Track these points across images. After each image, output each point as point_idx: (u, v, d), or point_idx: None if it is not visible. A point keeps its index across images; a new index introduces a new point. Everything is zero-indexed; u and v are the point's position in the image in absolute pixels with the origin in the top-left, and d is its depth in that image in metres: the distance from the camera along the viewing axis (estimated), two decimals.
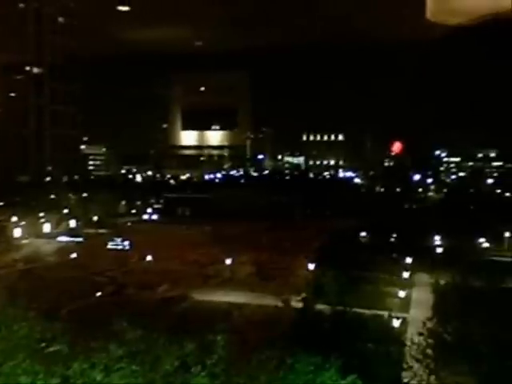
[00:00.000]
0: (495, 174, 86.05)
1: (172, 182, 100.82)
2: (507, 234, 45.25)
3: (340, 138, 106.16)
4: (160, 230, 53.19)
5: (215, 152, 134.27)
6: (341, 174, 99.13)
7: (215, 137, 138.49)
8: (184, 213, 65.43)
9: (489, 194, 73.02)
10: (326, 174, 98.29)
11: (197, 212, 61.79)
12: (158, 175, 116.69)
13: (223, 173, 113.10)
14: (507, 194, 74.38)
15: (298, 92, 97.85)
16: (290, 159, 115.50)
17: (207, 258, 38.29)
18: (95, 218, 57.05)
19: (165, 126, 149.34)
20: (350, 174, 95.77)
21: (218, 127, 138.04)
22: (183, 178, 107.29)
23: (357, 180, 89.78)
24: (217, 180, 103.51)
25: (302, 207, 60.95)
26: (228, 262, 34.71)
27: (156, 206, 69.93)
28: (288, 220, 54.65)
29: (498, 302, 22.67)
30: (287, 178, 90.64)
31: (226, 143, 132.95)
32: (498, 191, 75.94)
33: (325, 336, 19.00)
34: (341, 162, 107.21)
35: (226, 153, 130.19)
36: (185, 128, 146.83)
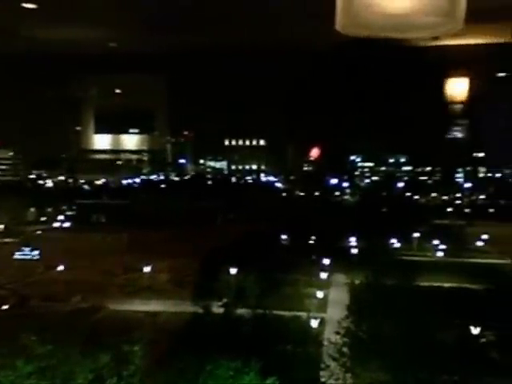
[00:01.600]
0: (405, 178, 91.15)
1: (86, 187, 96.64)
2: (416, 235, 48.09)
3: (262, 143, 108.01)
4: (72, 238, 50.48)
5: (134, 156, 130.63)
6: (263, 178, 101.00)
7: (133, 141, 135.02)
8: (99, 220, 62.68)
9: (399, 196, 77.21)
10: (248, 178, 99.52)
11: (113, 219, 59.33)
12: (70, 180, 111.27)
13: (142, 177, 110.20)
14: (416, 197, 79.32)
15: (219, 96, 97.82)
16: (212, 164, 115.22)
17: (123, 266, 37.06)
18: (1, 227, 53.32)
19: (78, 128, 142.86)
20: (271, 178, 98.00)
21: (136, 131, 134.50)
22: (98, 183, 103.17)
23: (278, 184, 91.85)
24: (135, 185, 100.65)
25: (225, 212, 60.90)
26: (146, 269, 33.74)
27: (68, 213, 66.41)
28: (210, 225, 54.30)
29: (408, 299, 23.99)
30: (209, 182, 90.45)
31: (145, 147, 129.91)
32: (408, 194, 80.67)
33: (245, 340, 19.03)
34: (263, 167, 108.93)
35: (145, 157, 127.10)
36: (99, 131, 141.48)
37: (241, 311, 22.96)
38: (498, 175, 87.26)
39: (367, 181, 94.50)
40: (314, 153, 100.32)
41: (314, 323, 23.22)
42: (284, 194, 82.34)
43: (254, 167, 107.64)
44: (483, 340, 21.51)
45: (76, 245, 45.41)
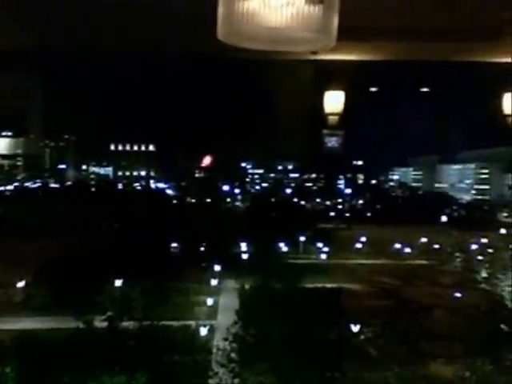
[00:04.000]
0: (293, 185, 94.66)
1: None
2: (302, 239, 50.20)
3: (151, 148, 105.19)
4: None
5: (6, 162, 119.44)
6: (152, 185, 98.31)
7: (5, 144, 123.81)
8: None
9: (287, 202, 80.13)
10: (136, 185, 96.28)
11: None
12: None
13: (16, 184, 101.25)
14: (302, 203, 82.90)
15: (104, 98, 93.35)
16: (96, 170, 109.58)
17: None
18: None
19: None
20: (161, 185, 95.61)
21: (9, 134, 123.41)
22: None
23: (169, 191, 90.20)
24: (7, 193, 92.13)
25: (109, 220, 58.33)
26: (20, 284, 31.03)
27: None
28: (92, 235, 51.53)
29: (294, 301, 24.94)
30: (93, 189, 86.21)
31: (19, 151, 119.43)
32: (295, 200, 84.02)
33: (130, 353, 18.41)
34: (152, 173, 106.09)
35: (19, 162, 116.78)
36: None
37: (126, 324, 22.20)
38: (373, 182, 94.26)
39: (257, 187, 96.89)
40: (207, 160, 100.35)
41: (203, 331, 23.17)
42: (175, 201, 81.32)
43: (143, 173, 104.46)
44: (362, 337, 22.99)
45: None
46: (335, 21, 6.08)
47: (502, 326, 22.45)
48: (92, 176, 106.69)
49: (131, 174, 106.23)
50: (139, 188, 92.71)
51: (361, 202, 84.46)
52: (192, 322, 24.51)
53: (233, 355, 20.06)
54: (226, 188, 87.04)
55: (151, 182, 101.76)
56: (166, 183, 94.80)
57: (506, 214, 71.08)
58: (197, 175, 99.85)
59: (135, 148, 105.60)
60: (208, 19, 6.05)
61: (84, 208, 57.92)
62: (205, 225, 51.43)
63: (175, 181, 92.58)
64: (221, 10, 5.70)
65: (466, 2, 10.96)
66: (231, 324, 22.37)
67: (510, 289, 33.96)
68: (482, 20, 11.66)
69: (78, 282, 27.91)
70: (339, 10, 6.14)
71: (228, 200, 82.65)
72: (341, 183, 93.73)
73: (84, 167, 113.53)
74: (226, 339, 21.12)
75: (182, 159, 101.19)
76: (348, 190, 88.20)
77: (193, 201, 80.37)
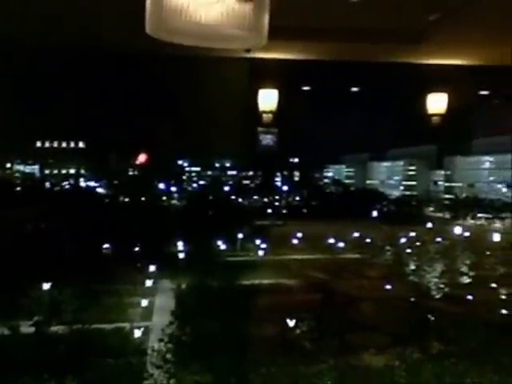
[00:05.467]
0: (230, 182, 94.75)
1: None
2: (240, 236, 50.40)
3: (81, 145, 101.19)
4: None
5: None
6: (82, 183, 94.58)
7: None
8: None
9: (225, 200, 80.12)
10: (65, 183, 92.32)
11: None
12: None
13: None
14: (240, 200, 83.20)
15: (29, 94, 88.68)
16: (21, 168, 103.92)
17: None
18: None
19: None
20: (92, 183, 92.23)
21: None
22: None
23: (100, 190, 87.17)
24: None
25: (35, 220, 55.52)
26: None
27: None
28: (15, 236, 48.78)
29: (230, 298, 25.00)
30: (18, 189, 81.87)
31: None
32: (233, 197, 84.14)
33: (59, 359, 17.66)
34: (82, 171, 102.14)
35: None
36: None
37: (55, 328, 21.28)
38: (309, 179, 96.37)
39: (194, 185, 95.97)
40: (142, 157, 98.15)
41: (138, 333, 22.66)
42: (107, 200, 78.78)
43: (72, 171, 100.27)
44: (298, 331, 23.41)
45: None
46: (266, 19, 6.10)
47: (429, 315, 23.61)
48: (17, 175, 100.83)
49: (59, 172, 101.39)
50: (68, 187, 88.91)
51: (297, 198, 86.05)
52: (126, 325, 23.90)
53: (168, 356, 19.77)
54: (161, 186, 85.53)
55: (81, 180, 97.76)
56: (96, 181, 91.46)
57: (432, 209, 75.00)
58: (131, 173, 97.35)
59: (64, 145, 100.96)
60: (136, 13, 5.89)
61: (6, 208, 54.72)
62: (139, 224, 50.28)
63: (107, 179, 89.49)
64: (149, 5, 5.56)
65: (392, 5, 11.40)
66: (167, 325, 22.01)
67: (436, 280, 35.88)
68: (406, 23, 12.20)
69: (1, 285, 26.39)
70: (270, 9, 6.18)
71: (164, 198, 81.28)
72: (278, 180, 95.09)
73: (8, 165, 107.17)
74: (161, 340, 20.77)
75: (115, 157, 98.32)
76: (285, 187, 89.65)
77: (126, 200, 78.22)
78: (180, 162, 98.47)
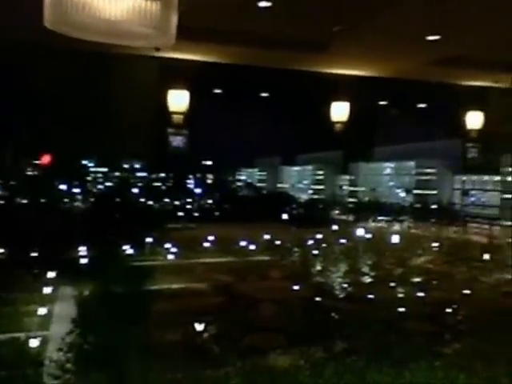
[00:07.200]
0: (140, 184, 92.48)
1: None
2: (149, 240, 49.27)
3: None
4: None
5: None
6: None
7: None
8: None
9: (133, 202, 77.88)
10: None
11: None
12: None
13: None
14: (150, 203, 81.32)
15: None
16: None
17: None
18: None
19: None
20: None
21: None
22: None
23: None
24: None
25: None
26: None
27: None
28: None
29: (136, 304, 24.23)
30: None
31: None
32: (142, 200, 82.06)
33: None
34: None
35: None
36: None
37: None
38: (222, 182, 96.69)
39: (101, 187, 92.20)
40: (45, 158, 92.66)
41: (35, 343, 21.31)
42: (1, 202, 73.17)
43: None
44: (203, 335, 23.29)
45: None
46: (174, 18, 5.95)
47: (332, 314, 24.54)
48: None
49: None
50: None
51: (210, 201, 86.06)
52: (21, 334, 22.36)
53: (68, 366, 18.70)
54: (64, 187, 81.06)
55: None
56: None
57: (337, 212, 78.51)
58: (30, 173, 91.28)
59: None
60: (33, 3, 5.50)
61: None
62: (38, 227, 47.19)
63: (2, 179, 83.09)
64: None
65: (298, 13, 11.70)
66: (67, 333, 20.85)
67: (339, 280, 37.51)
68: (311, 32, 12.59)
69: None
70: (181, 10, 6.03)
71: (66, 200, 77.14)
72: (190, 183, 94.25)
73: None
74: (60, 349, 19.60)
75: (14, 157, 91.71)
76: (197, 190, 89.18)
77: (24, 201, 73.15)
78: (86, 163, 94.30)
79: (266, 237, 50.45)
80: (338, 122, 17.40)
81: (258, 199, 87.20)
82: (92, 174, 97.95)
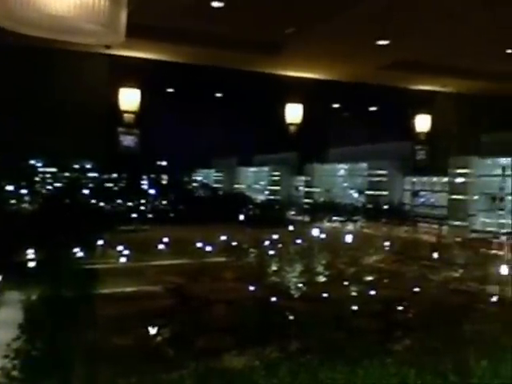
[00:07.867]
0: (91, 185, 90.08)
1: None
2: (100, 242, 48.06)
3: None
4: None
5: None
6: None
7: None
8: None
9: (84, 204, 75.83)
10: None
11: None
12: None
13: None
14: (102, 204, 79.31)
15: None
16: None
17: None
18: None
19: None
20: None
21: None
22: None
23: None
24: None
25: None
26: None
27: None
28: None
29: (86, 308, 23.63)
30: None
31: None
32: (94, 201, 79.96)
33: None
34: None
35: None
36: None
37: None
38: (177, 182, 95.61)
39: (49, 187, 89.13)
40: None
41: None
42: None
43: None
44: (155, 338, 22.92)
45: None
46: (123, 16, 5.84)
47: (286, 314, 24.73)
48: None
49: None
50: None
51: (164, 202, 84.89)
52: None
53: (14, 373, 17.96)
54: (9, 188, 77.78)
55: None
56: None
57: (293, 213, 79.35)
58: None
59: None
60: None
61: None
62: None
63: None
64: None
65: (251, 15, 11.75)
66: (13, 339, 20.00)
67: (295, 280, 37.88)
68: (265, 34, 12.67)
69: None
70: (131, 7, 5.92)
71: (12, 202, 74.08)
72: (144, 184, 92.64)
73: None
74: (6, 356, 18.80)
75: None
76: (151, 191, 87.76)
77: None
78: (33, 162, 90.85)
79: (223, 238, 50.36)
80: (292, 124, 17.56)
81: (214, 200, 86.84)
82: (40, 175, 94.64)
